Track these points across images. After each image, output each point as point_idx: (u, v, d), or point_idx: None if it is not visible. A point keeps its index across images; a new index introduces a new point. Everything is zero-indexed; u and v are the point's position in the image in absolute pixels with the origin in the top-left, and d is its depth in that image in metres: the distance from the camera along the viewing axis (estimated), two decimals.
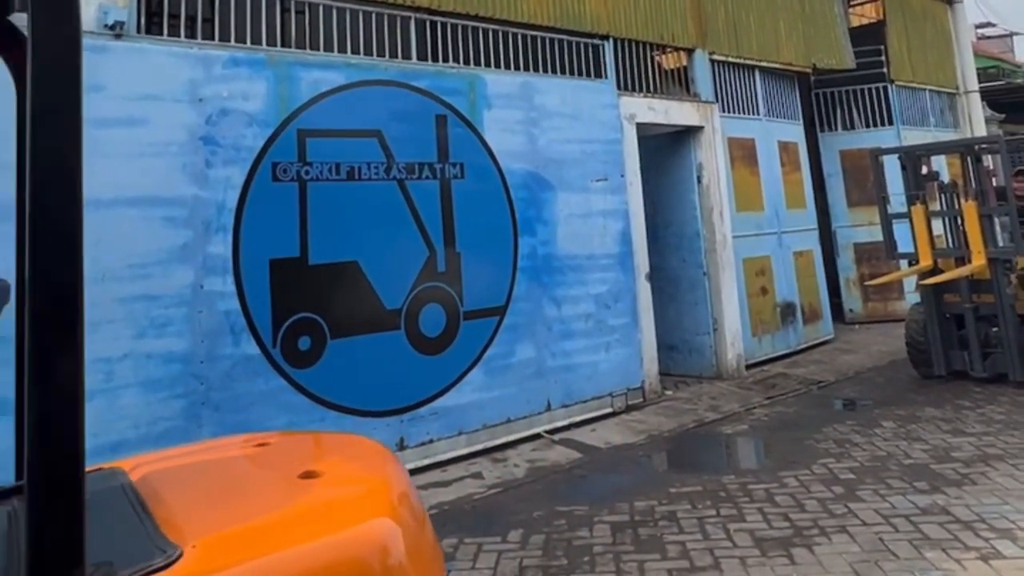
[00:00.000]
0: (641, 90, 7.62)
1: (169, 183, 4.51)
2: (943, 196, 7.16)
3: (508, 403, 5.85)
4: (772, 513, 4.33)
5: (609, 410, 6.49)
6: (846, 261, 10.71)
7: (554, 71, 6.74)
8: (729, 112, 8.70)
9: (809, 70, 9.95)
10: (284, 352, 4.79)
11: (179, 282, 4.45)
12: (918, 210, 6.95)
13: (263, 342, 4.71)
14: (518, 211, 6.13)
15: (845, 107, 11.12)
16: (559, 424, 6.12)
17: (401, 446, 5.23)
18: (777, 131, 9.37)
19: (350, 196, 5.26)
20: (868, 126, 11.05)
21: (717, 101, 8.48)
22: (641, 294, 6.96)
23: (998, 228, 6.84)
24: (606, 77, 7.14)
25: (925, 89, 11.86)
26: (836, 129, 11.10)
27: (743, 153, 8.77)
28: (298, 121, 5.11)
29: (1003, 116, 13.06)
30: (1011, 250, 6.56)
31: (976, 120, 12.42)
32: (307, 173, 5.08)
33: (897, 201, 7.84)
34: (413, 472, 5.17)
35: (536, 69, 6.61)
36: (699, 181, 8.07)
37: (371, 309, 5.21)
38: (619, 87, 7.27)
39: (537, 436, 5.94)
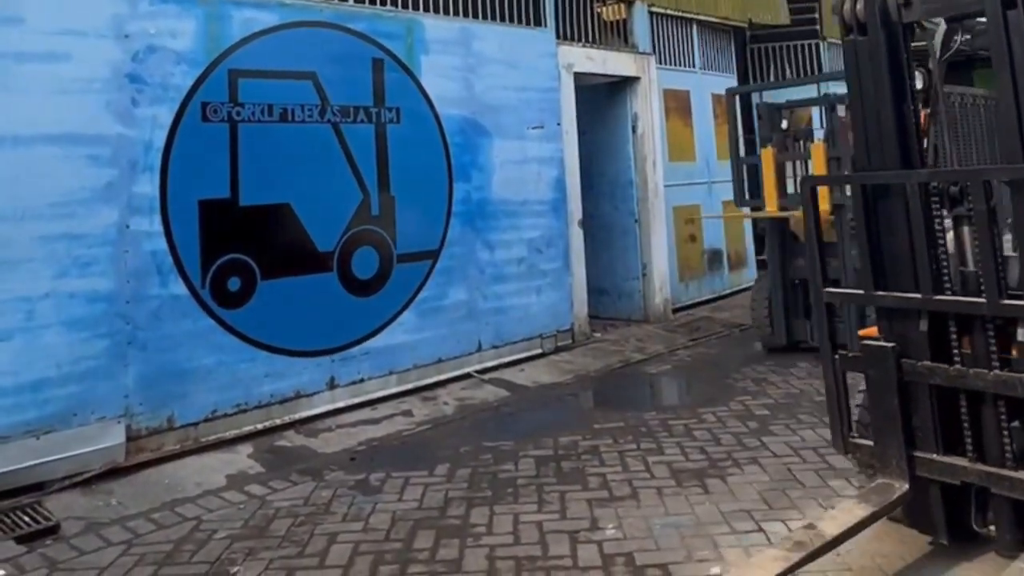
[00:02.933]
0: (580, 40, 7.68)
1: (93, 121, 4.41)
2: (798, 142, 6.61)
3: (439, 344, 5.95)
4: (689, 447, 4.55)
5: (539, 351, 6.66)
6: None
7: (493, 18, 6.72)
8: (666, 64, 8.82)
9: (745, 25, 10.10)
10: (213, 292, 4.77)
11: (103, 222, 4.39)
12: (767, 153, 6.40)
13: (191, 282, 4.69)
14: (453, 157, 6.16)
15: (778, 62, 11.33)
16: (489, 364, 6.26)
17: (332, 385, 5.31)
18: (712, 84, 9.53)
19: (283, 138, 5.21)
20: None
21: (654, 53, 8.58)
22: (573, 240, 7.10)
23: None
24: (545, 26, 7.15)
25: None
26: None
27: (678, 104, 8.92)
28: (229, 61, 5.02)
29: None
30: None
31: None
32: (239, 114, 5.01)
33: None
34: (344, 410, 5.27)
35: (475, 16, 6.58)
36: (634, 131, 8.19)
37: (303, 251, 5.22)
38: (558, 36, 7.30)
39: (467, 376, 6.07)
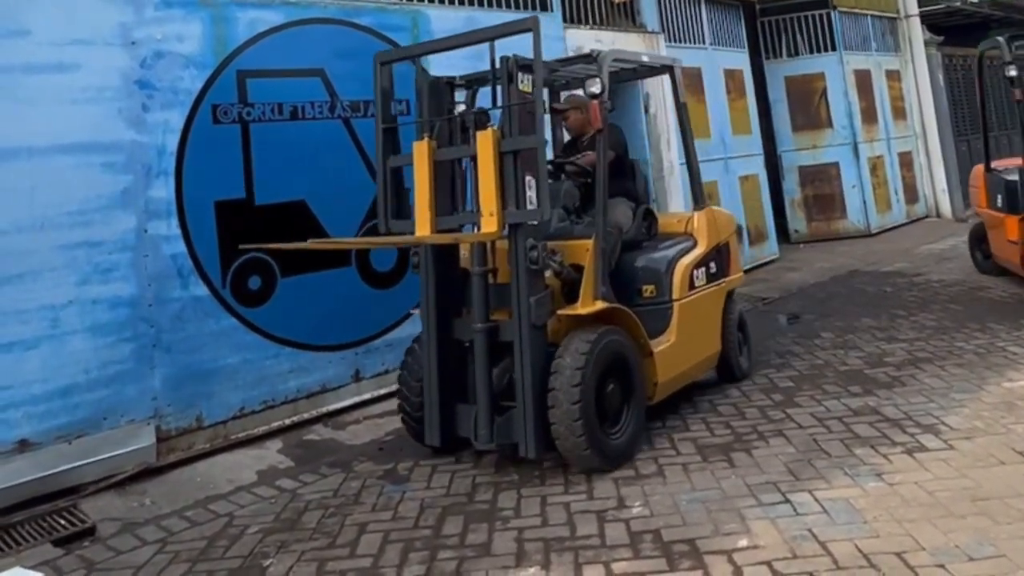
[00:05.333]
0: (587, 22, 7.64)
1: (105, 128, 4.45)
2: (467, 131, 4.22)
3: None
4: (715, 422, 4.54)
5: None
6: (791, 184, 10.98)
7: (499, 5, 6.69)
8: (675, 42, 8.75)
9: None
10: (234, 292, 4.82)
11: (122, 227, 4.43)
12: (421, 148, 4.12)
13: (212, 283, 4.73)
14: None
15: (789, 34, 11.21)
16: None
17: (357, 377, 5.35)
18: (723, 59, 9.46)
19: (295, 136, 5.24)
20: (812, 52, 11.16)
21: (663, 31, 8.51)
22: None
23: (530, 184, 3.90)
24: (552, 10, 7.11)
25: (867, 14, 11.97)
26: (781, 56, 11.20)
27: (689, 82, 8.81)
28: (237, 62, 5.05)
29: (942, 39, 13.23)
30: (535, 214, 3.85)
31: (916, 43, 12.59)
32: (249, 114, 5.05)
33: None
34: (370, 402, 5.32)
35: (480, 4, 6.56)
36: (646, 111, 8.15)
37: None
38: (565, 20, 7.26)
39: None
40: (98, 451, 4.23)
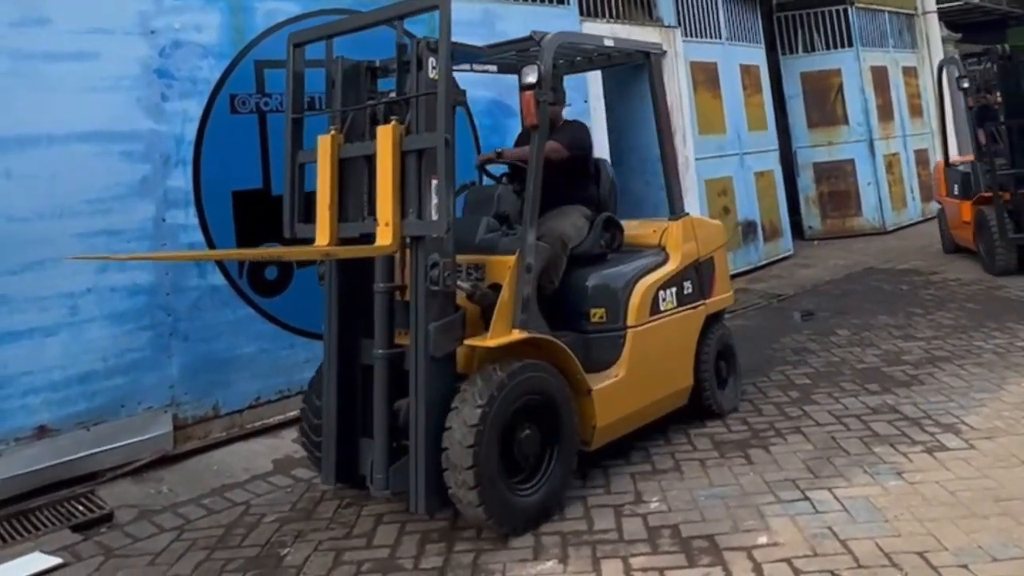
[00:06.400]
0: (604, 16, 7.61)
1: (124, 117, 4.46)
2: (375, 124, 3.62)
3: None
4: (731, 418, 4.52)
5: None
6: (806, 180, 10.94)
7: None
8: (692, 36, 8.70)
9: None
10: (251, 282, 4.82)
11: (140, 216, 4.44)
12: (325, 143, 3.61)
13: (229, 272, 4.73)
14: (481, 138, 6.14)
15: (806, 29, 11.15)
16: None
17: None
18: (739, 54, 9.40)
19: (312, 126, 5.20)
20: (829, 48, 11.10)
21: (680, 25, 8.47)
22: None
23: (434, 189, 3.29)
24: (568, 3, 7.09)
25: (884, 11, 11.89)
26: (797, 52, 11.15)
27: (705, 77, 8.80)
28: (255, 52, 5.04)
29: (959, 36, 13.14)
30: (433, 226, 3.28)
31: (934, 40, 12.51)
32: (266, 104, 5.03)
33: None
34: None
35: None
36: None
37: None
38: (582, 13, 7.24)
39: None
40: (116, 438, 4.24)
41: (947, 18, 13.17)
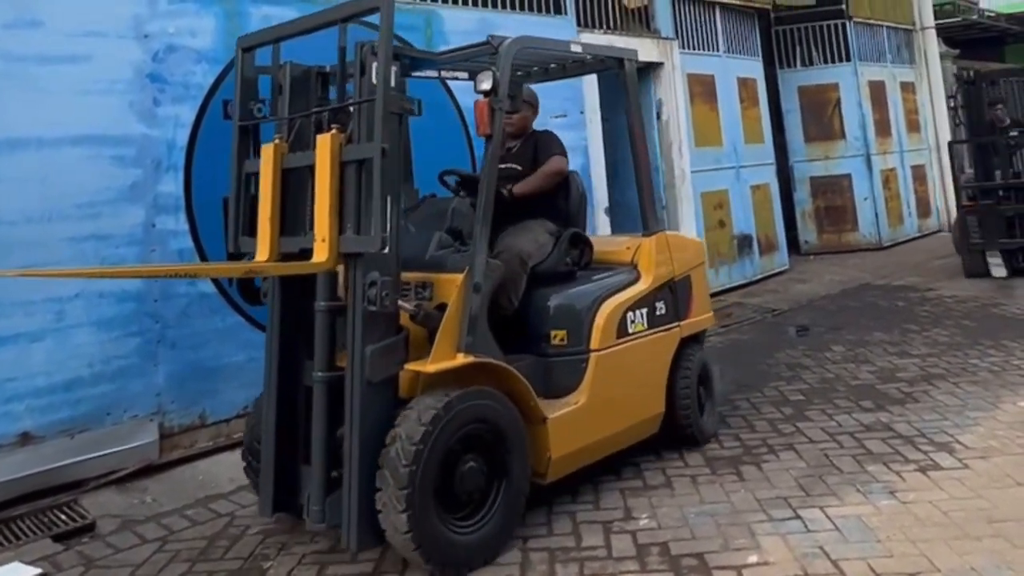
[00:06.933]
0: (601, 27, 7.60)
1: (116, 121, 4.43)
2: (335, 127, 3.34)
3: None
4: (724, 434, 4.48)
5: None
6: (802, 194, 10.95)
7: (512, 7, 6.66)
8: (689, 49, 8.70)
9: (769, 7, 9.96)
10: (241, 289, 4.78)
11: (130, 221, 4.40)
12: (267, 152, 3.41)
13: (219, 280, 4.70)
14: (477, 147, 6.12)
15: (804, 44, 11.16)
16: None
17: None
18: (736, 67, 9.41)
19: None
20: (826, 62, 11.11)
21: (677, 38, 8.47)
22: (600, 228, 7.03)
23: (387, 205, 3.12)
24: (566, 13, 7.09)
25: (883, 26, 11.92)
26: (795, 66, 11.15)
27: (703, 89, 8.80)
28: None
29: (957, 52, 13.18)
30: (368, 242, 3.06)
31: (932, 56, 12.53)
32: (260, 111, 4.99)
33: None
34: None
35: (494, 5, 6.53)
36: (658, 117, 8.11)
37: None
38: (579, 24, 7.24)
39: None
40: (100, 446, 4.18)
41: (945, 34, 13.21)
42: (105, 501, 4.01)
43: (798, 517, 3.41)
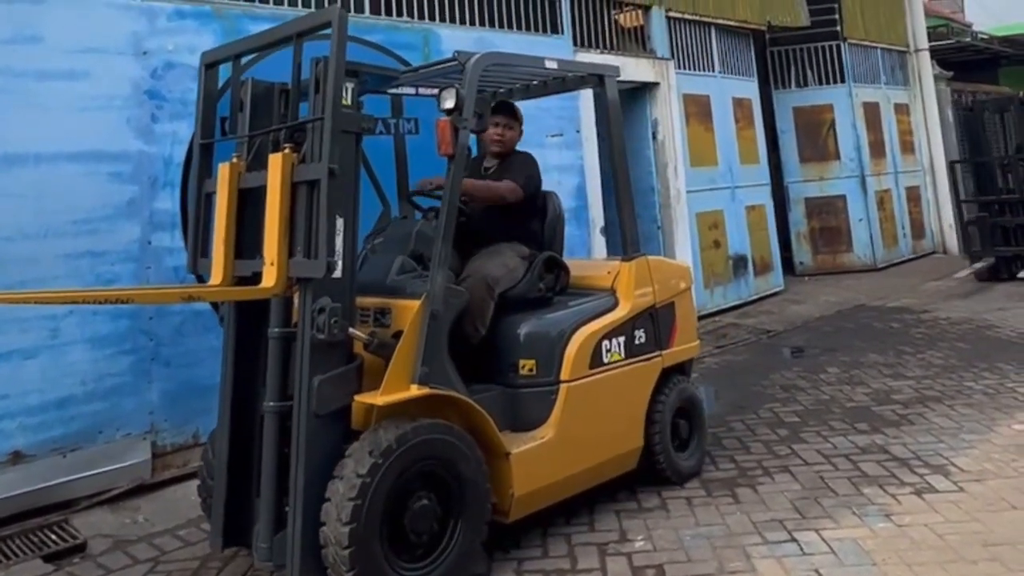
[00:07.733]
0: (597, 47, 7.64)
1: (114, 138, 4.43)
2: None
3: None
4: (719, 456, 4.46)
5: None
6: (797, 215, 10.98)
7: (510, 27, 6.71)
8: (685, 69, 8.75)
9: (764, 28, 10.02)
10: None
11: (126, 238, 4.40)
12: (224, 172, 3.32)
13: None
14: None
15: (799, 64, 11.24)
16: None
17: None
18: (732, 88, 9.46)
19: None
20: (821, 83, 11.18)
21: (673, 58, 8.52)
22: (595, 248, 7.04)
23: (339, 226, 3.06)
24: (562, 33, 7.13)
25: (877, 47, 12.01)
26: (790, 86, 11.21)
27: (698, 109, 8.84)
28: (247, 75, 5.00)
29: (951, 74, 13.27)
30: (315, 266, 2.95)
31: (926, 78, 12.62)
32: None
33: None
34: None
35: (492, 24, 6.57)
36: (654, 137, 8.14)
37: None
38: (575, 43, 7.28)
39: None
40: (92, 465, 4.16)
41: (939, 56, 13.31)
42: (97, 521, 3.98)
43: (794, 540, 3.40)
